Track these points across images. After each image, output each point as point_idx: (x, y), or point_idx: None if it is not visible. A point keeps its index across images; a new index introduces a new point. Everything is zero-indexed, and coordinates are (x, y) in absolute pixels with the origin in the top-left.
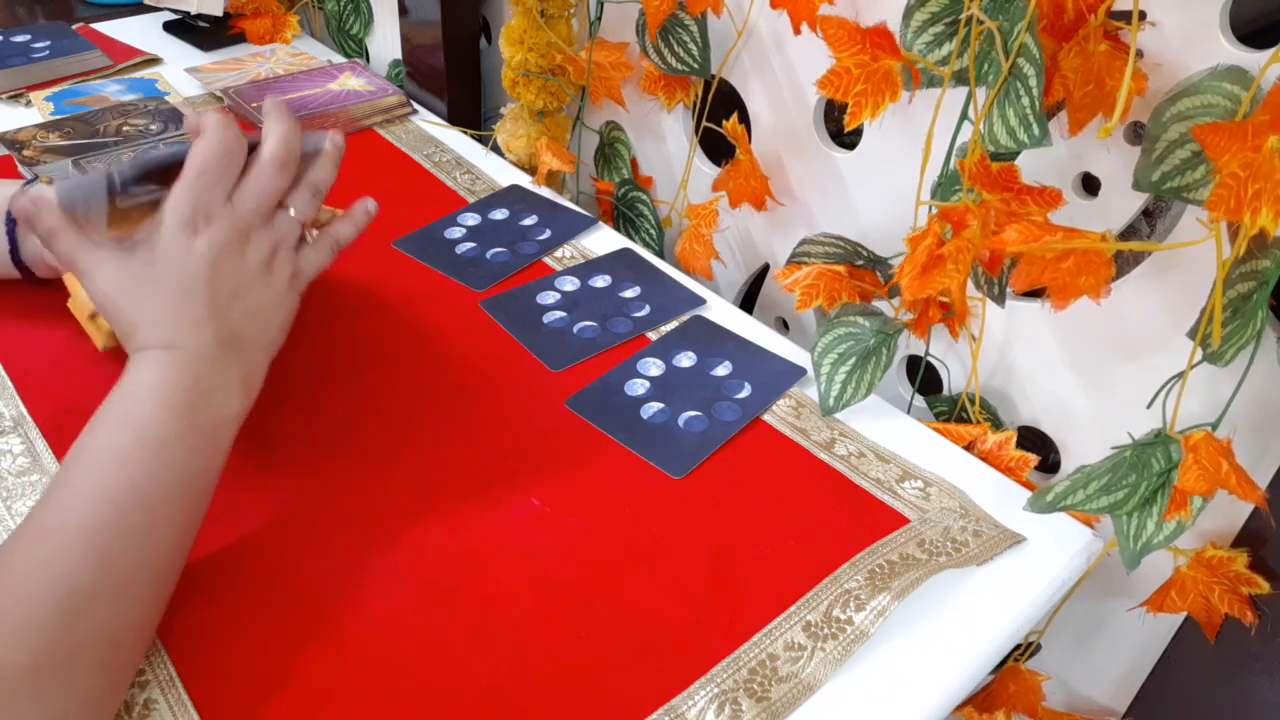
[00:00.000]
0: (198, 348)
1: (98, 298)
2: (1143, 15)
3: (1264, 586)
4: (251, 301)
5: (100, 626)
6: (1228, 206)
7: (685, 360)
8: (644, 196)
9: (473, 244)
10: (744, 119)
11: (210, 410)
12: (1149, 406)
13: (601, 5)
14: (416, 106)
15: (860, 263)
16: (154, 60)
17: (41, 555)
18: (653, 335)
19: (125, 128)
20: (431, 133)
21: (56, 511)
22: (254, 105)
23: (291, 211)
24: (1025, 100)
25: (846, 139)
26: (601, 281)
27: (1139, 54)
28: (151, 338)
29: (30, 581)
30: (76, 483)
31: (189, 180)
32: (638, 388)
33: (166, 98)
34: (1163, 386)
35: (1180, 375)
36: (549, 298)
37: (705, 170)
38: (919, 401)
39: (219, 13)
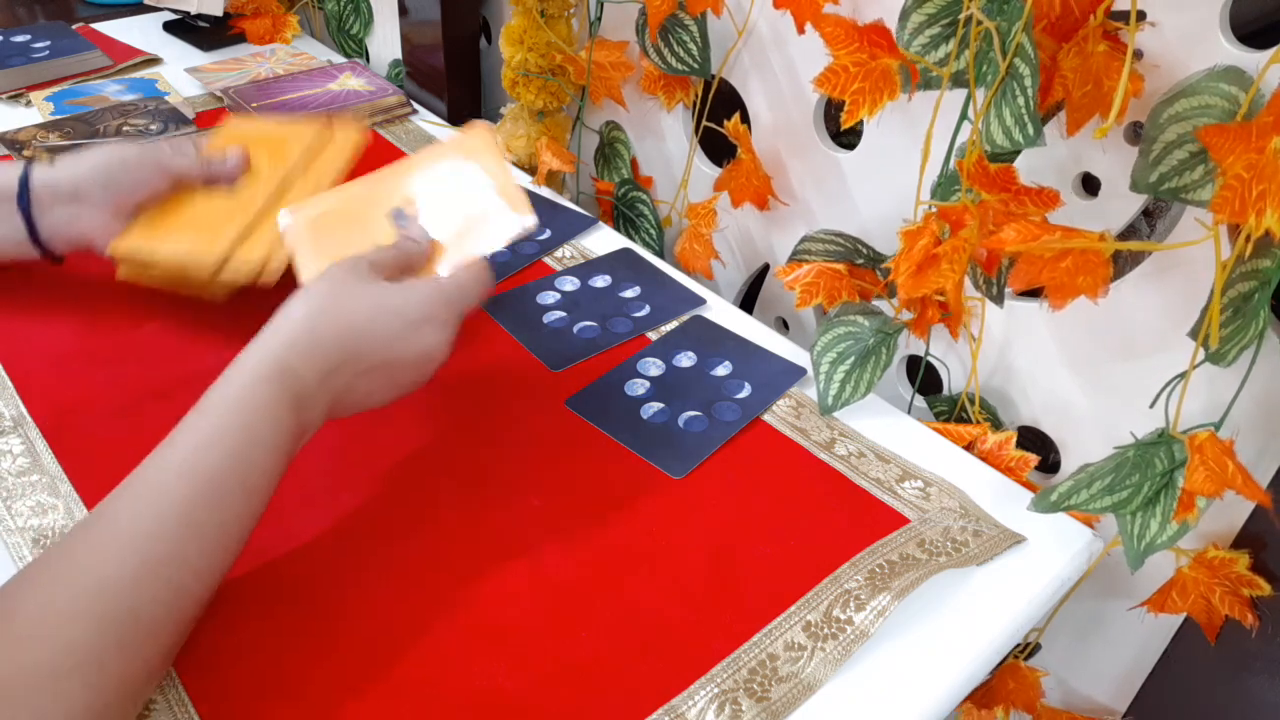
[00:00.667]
0: (313, 391)
1: (304, 291)
2: (1142, 15)
3: (1265, 588)
4: (386, 393)
5: (157, 649)
6: (1232, 208)
7: (685, 360)
8: (644, 196)
9: None
10: (744, 119)
11: (293, 445)
12: (1152, 406)
13: (601, 5)
14: (416, 106)
15: (860, 261)
16: (154, 60)
17: (111, 576)
18: (653, 335)
19: (125, 128)
20: (431, 133)
21: (132, 529)
22: (254, 105)
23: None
24: (1021, 100)
25: (846, 139)
26: (601, 281)
27: (1138, 54)
28: (289, 353)
29: (88, 586)
30: (160, 499)
31: (465, 283)
32: (638, 388)
33: (166, 98)
34: (1165, 386)
35: (1183, 375)
36: (549, 298)
37: (705, 170)
38: (919, 401)
39: (219, 13)
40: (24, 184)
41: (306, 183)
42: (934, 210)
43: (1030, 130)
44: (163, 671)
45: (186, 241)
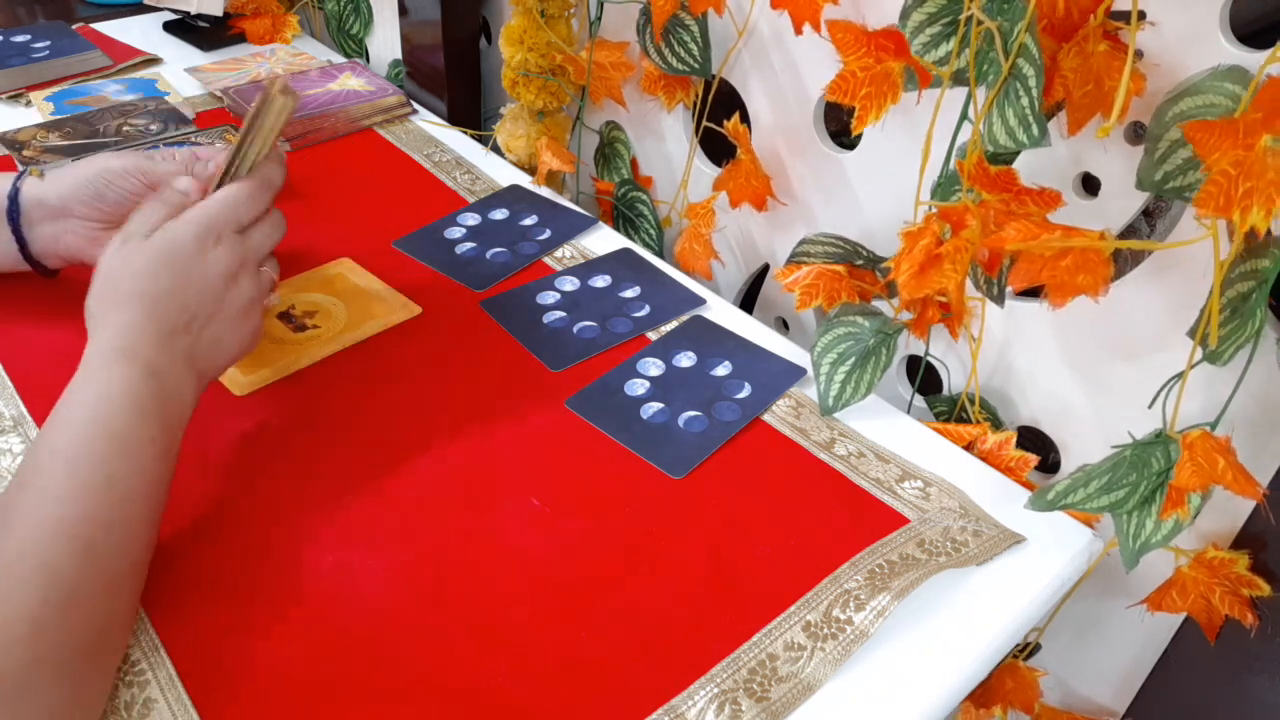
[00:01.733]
0: (164, 359)
1: (102, 273)
2: (1142, 15)
3: (1265, 588)
4: (219, 332)
5: (89, 619)
6: (1217, 204)
7: (685, 360)
8: (644, 196)
9: (473, 244)
10: (744, 119)
11: (172, 414)
12: (1150, 406)
13: (601, 5)
14: (416, 106)
15: (860, 262)
16: (154, 60)
17: (24, 550)
18: (653, 335)
19: (125, 128)
20: (431, 133)
21: (35, 506)
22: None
23: (268, 269)
24: (1025, 100)
25: (846, 139)
26: (601, 281)
27: (1138, 54)
28: (120, 337)
29: (13, 578)
30: (51, 478)
31: (221, 199)
32: (638, 388)
33: (166, 98)
34: (1163, 386)
35: (1180, 375)
36: (549, 298)
37: (705, 170)
38: (919, 401)
39: (219, 13)
40: (13, 199)
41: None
42: (934, 211)
43: (1035, 130)
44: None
45: None
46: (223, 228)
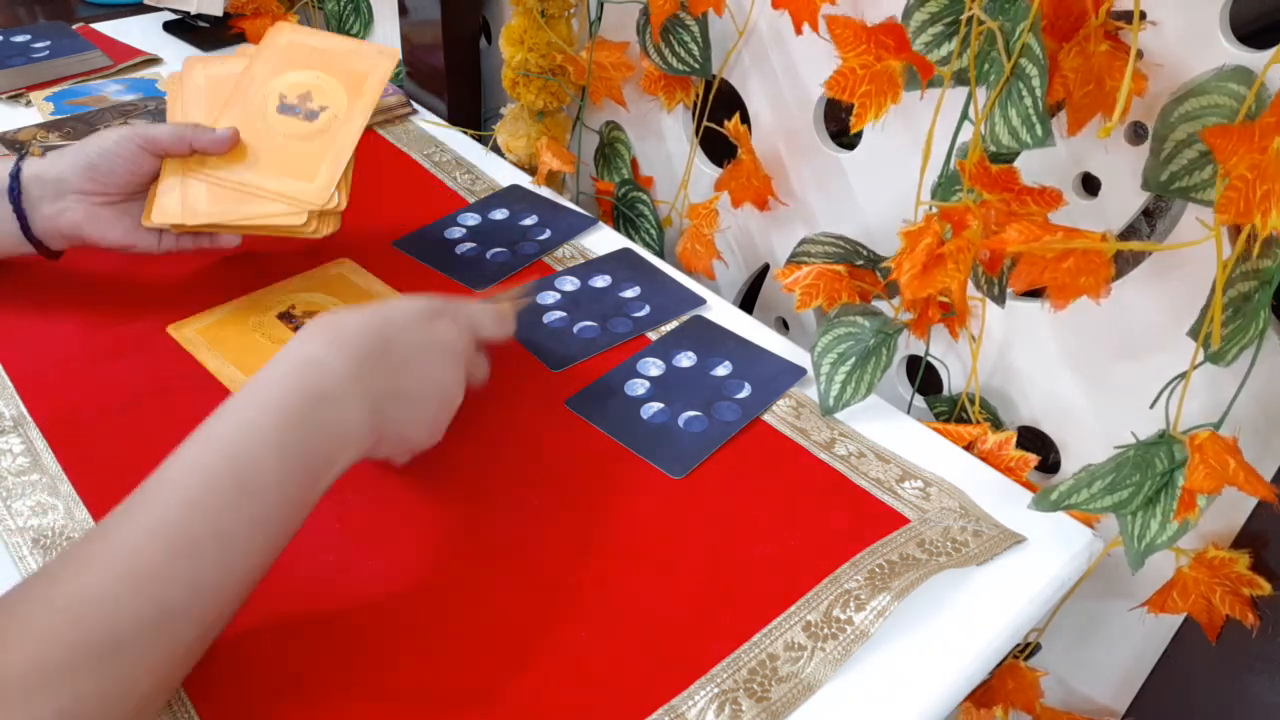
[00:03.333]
0: (356, 392)
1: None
2: (1143, 15)
3: (1266, 588)
4: (421, 407)
5: (136, 665)
6: (1237, 209)
7: (685, 360)
8: (644, 196)
9: (473, 244)
10: (744, 119)
11: (325, 455)
12: (1152, 406)
13: (601, 5)
14: (416, 106)
15: (860, 262)
16: (154, 60)
17: (95, 583)
18: (653, 335)
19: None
20: (431, 133)
21: (122, 534)
22: None
23: (482, 374)
24: (1028, 100)
25: (847, 139)
26: (601, 281)
27: (1139, 54)
28: (314, 346)
29: (69, 620)
30: (154, 507)
31: (483, 308)
32: (638, 388)
33: (166, 98)
34: (1166, 386)
35: (1183, 375)
36: (549, 298)
37: (705, 170)
38: (919, 401)
39: (219, 13)
40: (15, 177)
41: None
42: (935, 211)
43: (1039, 131)
44: (156, 696)
45: (280, 177)
46: (461, 317)
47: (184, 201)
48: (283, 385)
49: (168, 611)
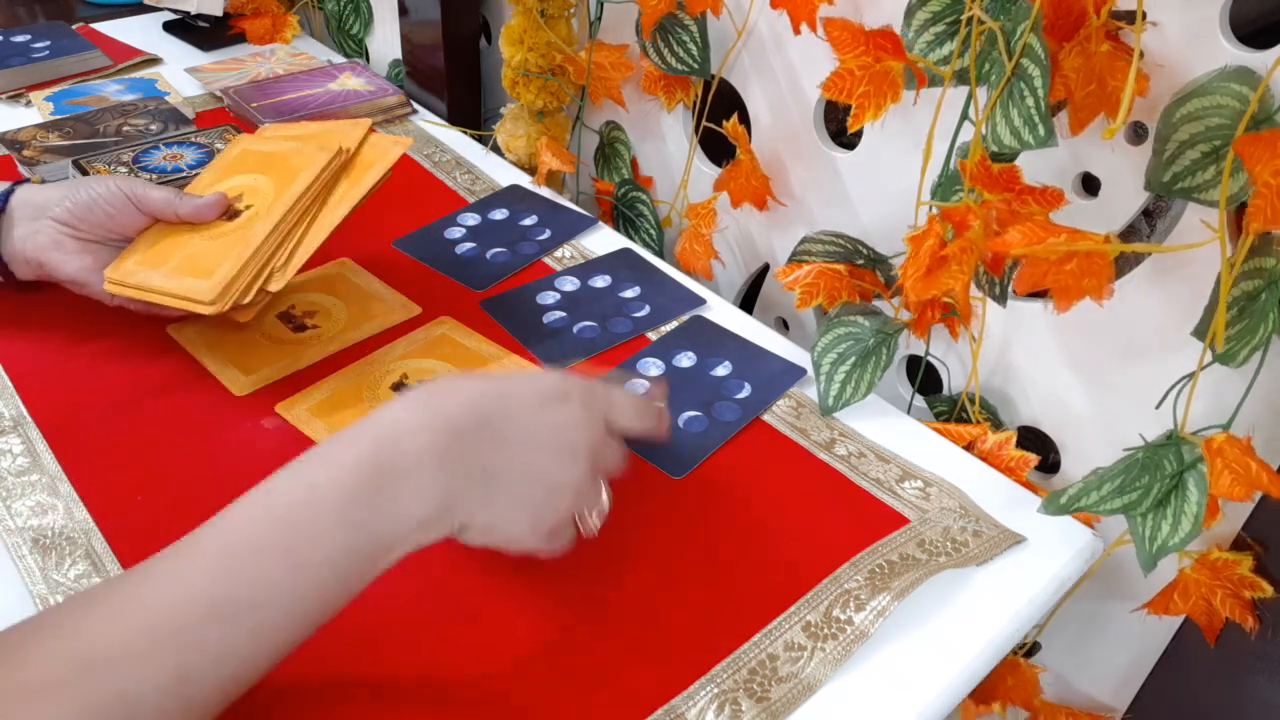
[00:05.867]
0: (435, 469)
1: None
2: (1144, 15)
3: (1268, 590)
4: (517, 494)
5: None
6: (1266, 216)
7: (685, 360)
8: (644, 196)
9: (473, 244)
10: (744, 119)
11: (384, 536)
12: (1158, 407)
13: (601, 5)
14: (416, 106)
15: (860, 262)
16: (154, 60)
17: (113, 651)
18: (653, 335)
19: (125, 128)
20: (431, 133)
21: (150, 598)
22: (254, 105)
23: (601, 508)
24: (1030, 100)
25: (846, 139)
26: (601, 281)
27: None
28: (397, 419)
29: (86, 676)
30: (186, 561)
31: (612, 391)
32: (639, 388)
33: (166, 98)
34: (1172, 387)
35: (1191, 375)
36: (549, 298)
37: (705, 170)
38: (919, 401)
39: (219, 13)
40: (5, 196)
41: (328, 205)
42: (936, 211)
43: (1041, 131)
44: None
45: (182, 275)
46: (590, 399)
47: (120, 264)
48: (358, 452)
49: (186, 677)
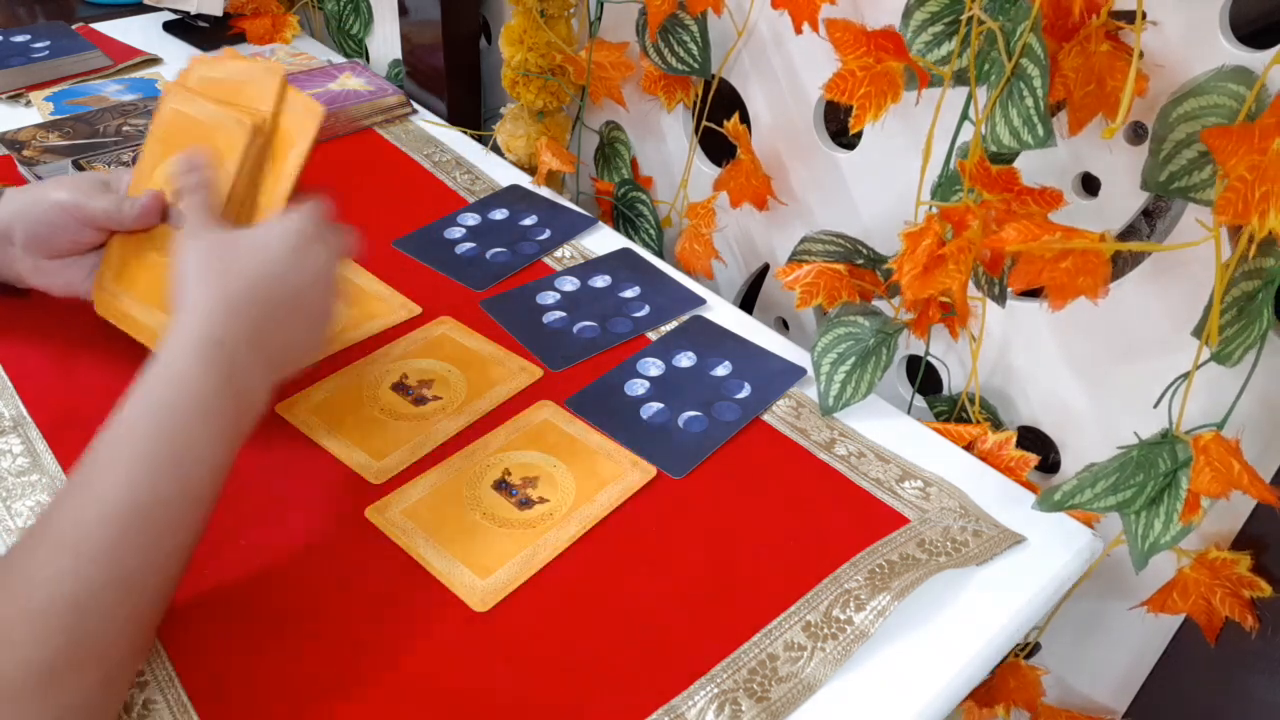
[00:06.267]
0: (248, 357)
1: (184, 265)
2: (1144, 15)
3: (1266, 590)
4: (312, 326)
5: (106, 630)
6: (1235, 210)
7: (685, 360)
8: (644, 196)
9: (473, 244)
10: (744, 119)
11: (241, 417)
12: (1156, 406)
13: (601, 5)
14: (416, 106)
15: (860, 261)
16: (154, 60)
17: (50, 562)
18: (653, 335)
19: (125, 128)
20: (431, 133)
21: (71, 514)
22: None
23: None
24: (1029, 101)
25: (847, 139)
26: (601, 281)
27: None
28: (206, 327)
29: (38, 589)
30: (97, 487)
31: (315, 206)
32: (638, 388)
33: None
34: (1169, 386)
35: (1186, 375)
36: (549, 298)
37: (705, 170)
38: (919, 401)
39: (219, 13)
40: None
41: (263, 189)
42: (935, 211)
43: (1040, 131)
44: (128, 660)
45: (151, 307)
46: (321, 229)
47: (100, 286)
48: (194, 371)
49: (132, 592)
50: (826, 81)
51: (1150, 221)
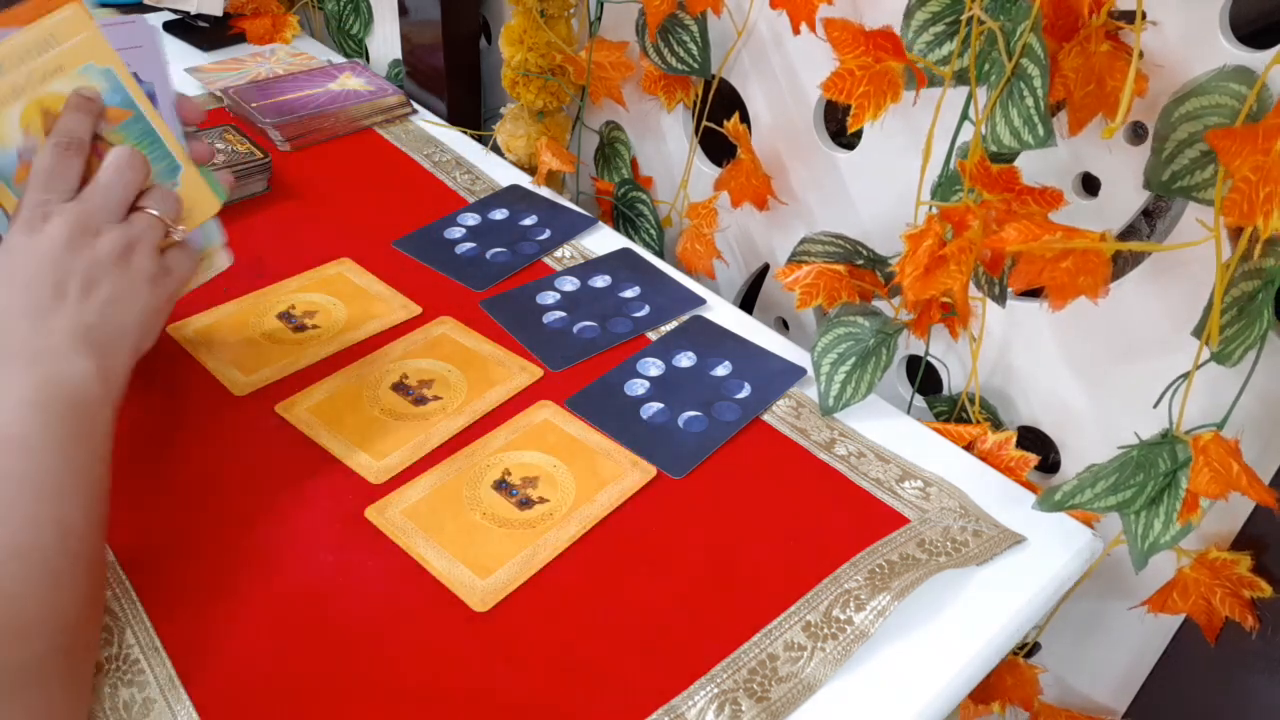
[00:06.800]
0: (46, 342)
1: None
2: (1144, 15)
3: (1266, 590)
4: (105, 293)
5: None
6: (1241, 210)
7: (685, 360)
8: (644, 196)
9: (473, 244)
10: (744, 119)
11: (76, 406)
12: (1156, 406)
13: (601, 5)
14: (416, 106)
15: (860, 262)
16: None
17: None
18: (653, 335)
19: None
20: (431, 133)
21: None
22: (253, 106)
23: (152, 211)
24: (1029, 101)
25: (846, 139)
26: (601, 281)
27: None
28: (3, 343)
29: None
30: None
31: (30, 183)
32: (638, 388)
33: None
34: (1169, 386)
35: (1186, 375)
36: (549, 298)
37: (705, 170)
38: (919, 401)
39: (219, 13)
40: None
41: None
42: (935, 211)
43: (1041, 131)
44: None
45: None
46: (99, 224)
47: None
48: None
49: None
50: (825, 81)
51: (1150, 221)
